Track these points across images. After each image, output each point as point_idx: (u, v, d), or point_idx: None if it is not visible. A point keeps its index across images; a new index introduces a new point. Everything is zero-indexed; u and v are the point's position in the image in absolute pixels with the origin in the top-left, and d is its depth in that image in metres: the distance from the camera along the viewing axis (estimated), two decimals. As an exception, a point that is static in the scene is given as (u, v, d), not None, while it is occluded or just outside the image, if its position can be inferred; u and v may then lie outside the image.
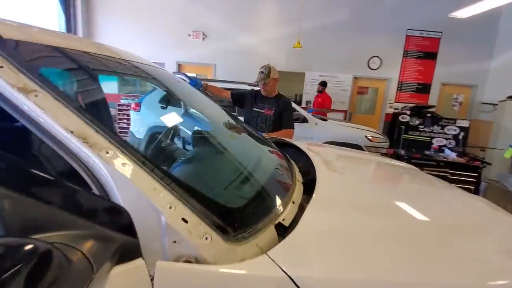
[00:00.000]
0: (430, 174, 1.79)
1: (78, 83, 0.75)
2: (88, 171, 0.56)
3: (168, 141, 0.84)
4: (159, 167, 0.63)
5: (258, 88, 2.43)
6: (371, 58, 6.58)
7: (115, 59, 0.92)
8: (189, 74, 6.86)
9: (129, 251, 0.52)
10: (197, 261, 0.55)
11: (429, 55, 6.54)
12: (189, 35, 6.34)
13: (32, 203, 0.42)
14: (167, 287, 0.51)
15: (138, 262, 0.52)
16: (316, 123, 4.04)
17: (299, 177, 1.14)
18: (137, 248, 0.53)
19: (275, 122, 2.28)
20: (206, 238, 0.57)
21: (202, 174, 0.78)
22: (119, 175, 0.56)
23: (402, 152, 3.62)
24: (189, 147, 0.92)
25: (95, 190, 0.56)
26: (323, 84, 5.82)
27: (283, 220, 0.76)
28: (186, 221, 0.57)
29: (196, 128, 1.07)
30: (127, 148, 0.60)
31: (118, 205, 0.53)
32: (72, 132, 0.57)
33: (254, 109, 2.33)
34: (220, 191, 0.72)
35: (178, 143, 0.91)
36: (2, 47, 0.63)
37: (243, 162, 0.98)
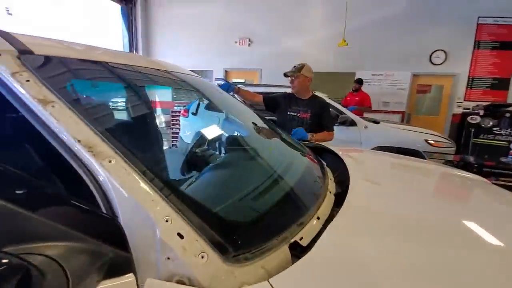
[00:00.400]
0: (507, 187, 1.46)
1: (99, 95, 0.79)
2: (93, 179, 0.56)
3: (181, 150, 0.82)
4: (161, 177, 0.60)
5: (290, 91, 2.32)
6: (434, 52, 5.85)
7: (136, 68, 0.95)
8: (237, 80, 7.08)
9: (121, 265, 0.50)
10: (191, 282, 0.50)
11: (506, 45, 5.54)
12: (236, 42, 6.52)
13: (10, 211, 0.42)
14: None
15: (128, 278, 0.49)
16: (365, 126, 3.72)
17: (331, 187, 1.03)
18: (130, 263, 0.51)
19: (312, 125, 2.14)
20: (202, 257, 0.52)
21: (207, 185, 0.74)
22: (118, 184, 0.55)
23: (471, 159, 3.09)
24: (199, 157, 0.89)
25: (99, 200, 0.56)
26: (359, 81, 5.29)
27: (301, 239, 0.67)
28: (182, 237, 0.53)
29: (210, 136, 1.04)
30: (130, 157, 0.59)
31: (110, 216, 0.51)
32: (79, 141, 0.58)
33: (289, 112, 2.22)
34: (226, 204, 0.67)
35: (191, 152, 0.89)
36: (32, 63, 0.69)
37: (259, 171, 0.91)
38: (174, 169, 0.72)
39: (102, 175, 0.55)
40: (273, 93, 3.56)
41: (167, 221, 0.53)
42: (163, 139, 0.93)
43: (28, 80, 0.64)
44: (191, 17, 6.64)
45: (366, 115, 4.69)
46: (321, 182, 1.05)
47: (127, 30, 6.26)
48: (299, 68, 2.14)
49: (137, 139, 0.68)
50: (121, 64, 0.87)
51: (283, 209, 0.76)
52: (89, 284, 0.44)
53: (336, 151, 1.55)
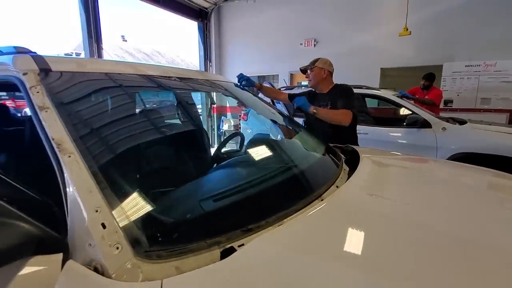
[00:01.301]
0: None
1: (92, 103, 0.92)
2: (59, 170, 0.68)
3: (141, 145, 0.88)
4: (107, 172, 0.67)
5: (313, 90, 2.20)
6: (562, 30, 4.43)
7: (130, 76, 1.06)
8: (303, 83, 6.98)
9: (56, 245, 0.59)
10: (102, 269, 0.55)
11: None
12: (301, 44, 6.43)
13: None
14: (64, 286, 0.53)
15: (56, 257, 0.57)
16: (443, 128, 3.10)
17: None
18: (64, 245, 0.59)
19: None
20: (117, 248, 0.56)
21: (149, 179, 0.77)
22: (69, 175, 0.64)
23: None
24: (154, 150, 0.92)
25: (61, 187, 0.67)
26: (429, 77, 4.22)
27: (241, 245, 0.63)
28: (104, 227, 0.58)
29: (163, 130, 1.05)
30: (86, 154, 0.68)
31: (48, 202, 0.60)
32: (53, 138, 0.71)
33: None
34: (160, 202, 0.68)
35: (152, 147, 0.93)
36: (47, 77, 0.87)
37: (212, 177, 0.88)
38: (127, 161, 0.78)
39: (63, 166, 0.66)
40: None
41: (96, 211, 0.60)
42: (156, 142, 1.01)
43: (38, 92, 0.82)
44: (257, 25, 6.91)
45: (445, 114, 3.89)
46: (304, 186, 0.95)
47: (203, 43, 6.97)
48: (313, 62, 2.09)
49: (106, 140, 0.77)
50: (118, 73, 1.00)
51: (230, 211, 0.73)
52: (18, 255, 0.54)
53: (366, 154, 1.37)
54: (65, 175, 0.65)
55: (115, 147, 0.78)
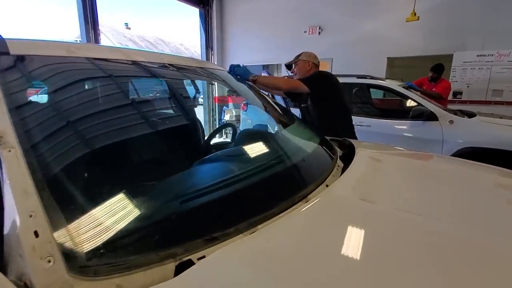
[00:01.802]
0: None
1: (47, 90, 0.83)
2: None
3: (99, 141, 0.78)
4: (50, 168, 0.58)
5: None
6: None
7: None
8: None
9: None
10: (31, 285, 0.47)
11: None
12: (305, 31, 6.21)
13: None
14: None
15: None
16: (451, 121, 2.95)
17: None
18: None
19: (317, 108, 1.95)
20: (49, 261, 0.48)
21: (102, 179, 0.68)
22: (5, 171, 0.55)
23: None
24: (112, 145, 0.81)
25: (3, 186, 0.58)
26: (437, 69, 3.94)
27: (202, 257, 0.55)
28: (37, 235, 0.49)
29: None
30: (28, 149, 0.59)
31: None
32: (-4, 130, 0.62)
33: (302, 105, 2.11)
34: (109, 203, 0.59)
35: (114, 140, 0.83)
36: (4, 61, 0.78)
37: (172, 179, 0.78)
38: (87, 165, 0.68)
39: (1, 162, 0.57)
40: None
41: (30, 216, 0.51)
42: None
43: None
44: (260, 12, 6.68)
45: (454, 106, 3.72)
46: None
47: (204, 31, 6.78)
48: (297, 56, 2.11)
49: (57, 135, 0.68)
50: (82, 57, 0.90)
51: (191, 216, 0.63)
52: None
53: (363, 150, 1.26)
54: (2, 171, 0.56)
55: (67, 141, 0.69)
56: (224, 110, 7.34)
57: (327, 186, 0.92)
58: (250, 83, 1.77)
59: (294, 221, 0.68)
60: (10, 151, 0.58)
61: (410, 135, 3.10)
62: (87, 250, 0.50)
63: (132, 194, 0.62)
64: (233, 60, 7.29)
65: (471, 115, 3.17)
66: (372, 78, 3.47)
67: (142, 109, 1.18)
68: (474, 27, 4.83)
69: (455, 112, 3.15)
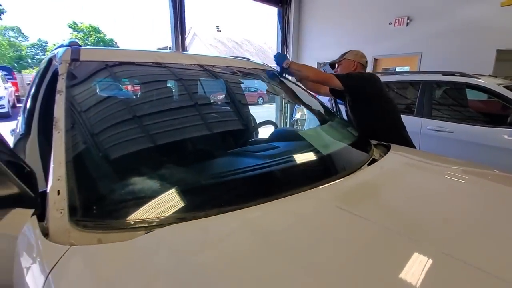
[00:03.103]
0: None
1: (106, 90, 1.06)
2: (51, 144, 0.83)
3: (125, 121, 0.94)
4: (80, 146, 0.78)
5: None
6: None
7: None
8: (398, 69, 6.10)
9: (32, 202, 0.73)
10: (48, 229, 0.65)
11: None
12: (390, 23, 5.58)
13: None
14: (20, 237, 0.66)
15: (27, 211, 0.71)
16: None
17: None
18: (37, 203, 0.73)
19: (353, 109, 1.83)
20: (61, 213, 0.66)
21: (107, 153, 0.82)
22: (53, 148, 0.77)
23: None
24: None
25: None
26: None
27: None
28: (58, 193, 0.68)
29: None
30: (70, 131, 0.81)
31: (29, 169, 0.74)
32: (55, 117, 0.86)
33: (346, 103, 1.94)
34: (116, 176, 0.74)
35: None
36: (74, 66, 1.05)
37: (178, 153, 0.87)
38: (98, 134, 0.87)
39: (53, 139, 0.80)
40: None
41: (58, 179, 0.71)
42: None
43: (62, 78, 1.00)
44: (339, 6, 6.35)
45: None
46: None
47: (281, 29, 6.91)
48: (342, 54, 1.99)
49: (93, 121, 0.89)
50: (142, 62, 1.12)
51: (173, 197, 0.72)
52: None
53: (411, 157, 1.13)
54: (52, 147, 0.79)
55: (97, 128, 0.90)
56: (295, 109, 7.34)
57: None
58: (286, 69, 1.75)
59: (262, 214, 0.70)
60: (59, 132, 0.81)
61: (507, 147, 2.47)
62: (84, 209, 0.67)
63: (126, 174, 0.78)
64: (309, 56, 7.18)
65: None
66: (462, 75, 2.89)
67: (191, 106, 1.35)
68: None
69: None
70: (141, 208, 0.68)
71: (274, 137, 1.52)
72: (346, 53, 1.97)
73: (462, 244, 0.65)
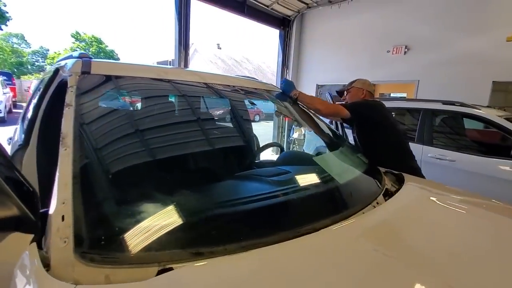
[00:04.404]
0: None
1: (111, 103, 1.02)
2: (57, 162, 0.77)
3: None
4: (88, 167, 0.72)
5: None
6: None
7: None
8: (393, 95, 6.23)
9: (30, 226, 0.65)
10: (48, 257, 0.58)
11: None
12: (388, 51, 5.76)
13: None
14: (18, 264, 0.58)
15: (27, 237, 0.63)
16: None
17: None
18: (37, 227, 0.65)
19: (361, 134, 1.81)
20: (65, 242, 0.59)
21: (131, 181, 0.75)
22: (58, 166, 0.71)
23: None
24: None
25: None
26: None
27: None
28: (63, 219, 0.62)
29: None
30: (78, 148, 0.75)
31: (31, 188, 0.68)
32: (61, 132, 0.80)
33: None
34: (126, 204, 0.67)
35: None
36: (84, 79, 1.01)
37: (186, 181, 0.81)
38: (122, 169, 0.80)
39: (59, 157, 0.74)
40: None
41: (63, 203, 0.64)
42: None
43: (71, 91, 0.95)
44: (340, 32, 6.56)
45: None
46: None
47: (282, 50, 7.07)
48: (350, 82, 2.02)
49: (104, 141, 0.83)
50: (151, 78, 1.08)
51: (185, 230, 0.66)
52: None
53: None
54: (58, 165, 0.72)
55: (109, 147, 0.84)
56: (293, 128, 7.37)
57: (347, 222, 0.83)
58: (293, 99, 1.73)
59: (284, 253, 0.64)
60: (66, 149, 0.75)
61: (506, 177, 2.47)
62: (91, 240, 0.60)
63: (140, 202, 0.71)
64: (307, 77, 7.32)
65: None
66: (462, 105, 2.95)
67: (191, 122, 1.31)
68: None
69: None
70: (153, 241, 0.62)
71: (284, 161, 1.48)
72: (354, 81, 2.00)
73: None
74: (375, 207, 0.98)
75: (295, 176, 1.09)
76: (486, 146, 2.97)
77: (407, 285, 0.59)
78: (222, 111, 2.00)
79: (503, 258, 0.75)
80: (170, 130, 1.13)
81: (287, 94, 1.69)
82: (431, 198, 1.15)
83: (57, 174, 0.70)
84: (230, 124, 1.88)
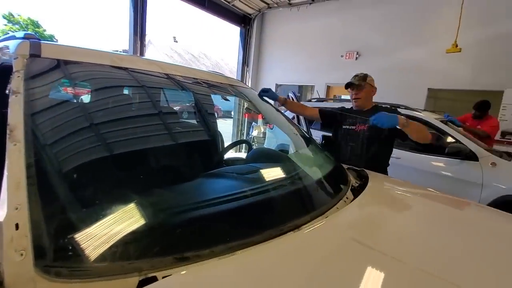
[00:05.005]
0: None
1: (61, 90, 0.90)
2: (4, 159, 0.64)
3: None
4: (46, 165, 0.62)
5: (349, 106, 2.00)
6: None
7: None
8: (343, 96, 6.66)
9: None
10: (2, 275, 0.48)
11: None
12: (342, 56, 6.16)
13: None
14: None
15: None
16: (493, 163, 2.66)
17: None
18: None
19: (371, 138, 1.75)
20: (22, 254, 0.49)
21: (94, 182, 0.68)
22: (7, 163, 0.60)
23: None
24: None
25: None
26: (481, 106, 3.56)
27: (166, 276, 0.53)
28: (17, 228, 0.52)
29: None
30: (31, 143, 0.64)
31: None
32: (9, 124, 0.68)
33: (344, 126, 1.87)
34: (92, 208, 0.60)
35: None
36: (32, 63, 0.86)
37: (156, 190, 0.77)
38: (84, 167, 0.70)
39: (6, 154, 0.62)
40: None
41: (16, 208, 0.54)
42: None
43: (18, 76, 0.81)
44: (298, 34, 6.80)
45: (502, 147, 3.37)
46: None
47: (242, 48, 7.06)
48: (363, 77, 1.82)
49: (63, 134, 0.72)
50: (112, 66, 0.97)
51: (165, 233, 0.62)
52: None
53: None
54: (5, 163, 0.61)
55: (68, 144, 0.73)
56: (253, 126, 7.43)
57: (326, 217, 0.86)
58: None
59: (272, 251, 0.64)
60: (15, 145, 0.63)
61: (445, 173, 2.85)
62: (55, 251, 0.52)
63: (111, 204, 0.64)
64: (268, 77, 7.44)
65: (520, 158, 2.85)
66: (406, 108, 3.29)
67: (153, 116, 1.22)
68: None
69: (500, 154, 2.84)
70: (131, 247, 0.55)
71: (255, 158, 1.47)
72: (365, 75, 1.82)
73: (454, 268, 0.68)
74: (345, 201, 1.04)
75: (271, 174, 1.09)
76: (426, 145, 3.37)
77: (388, 273, 0.63)
78: (192, 110, 1.91)
79: (461, 237, 0.85)
80: (136, 123, 1.03)
81: (388, 126, 1.52)
82: (395, 191, 1.25)
83: (5, 174, 0.59)
84: (199, 126, 1.81)
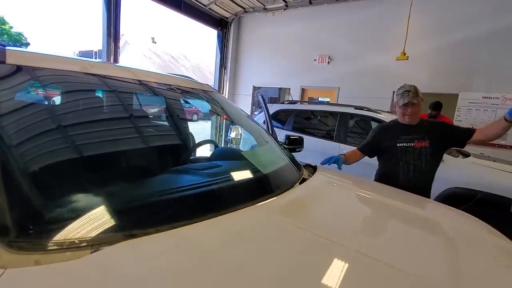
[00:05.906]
0: None
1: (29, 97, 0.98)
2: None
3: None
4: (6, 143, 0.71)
5: (387, 123, 1.97)
6: None
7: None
8: (320, 99, 6.95)
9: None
10: (-32, 252, 0.57)
11: None
12: (315, 60, 6.44)
13: None
14: None
15: None
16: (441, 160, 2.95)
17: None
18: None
19: (434, 154, 1.74)
20: (-12, 233, 0.59)
21: (55, 168, 0.78)
22: None
23: None
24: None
25: None
26: (436, 106, 4.16)
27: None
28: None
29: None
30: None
31: None
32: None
33: (399, 144, 1.75)
34: (51, 190, 0.70)
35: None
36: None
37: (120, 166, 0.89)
38: (46, 151, 0.80)
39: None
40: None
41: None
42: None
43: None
44: (274, 38, 7.02)
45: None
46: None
47: (220, 51, 7.17)
48: (416, 92, 1.67)
49: (24, 138, 0.82)
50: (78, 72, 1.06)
51: (119, 212, 0.73)
52: None
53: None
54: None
55: (32, 131, 0.82)
56: (231, 128, 7.56)
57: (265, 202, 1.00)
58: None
59: (204, 227, 0.76)
60: None
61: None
62: (17, 228, 0.61)
63: (71, 188, 0.74)
64: (245, 79, 7.58)
65: (466, 155, 3.17)
66: (368, 110, 3.55)
67: (123, 119, 1.31)
68: (480, 70, 4.89)
69: (449, 151, 3.15)
70: (85, 225, 0.66)
71: (216, 156, 1.59)
72: (416, 90, 1.69)
73: (375, 245, 0.84)
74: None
75: (224, 169, 1.22)
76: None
77: (318, 252, 0.77)
78: (157, 109, 2.00)
79: (391, 222, 1.03)
80: (99, 127, 1.12)
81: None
82: (333, 183, 1.43)
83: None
84: (168, 125, 1.90)
